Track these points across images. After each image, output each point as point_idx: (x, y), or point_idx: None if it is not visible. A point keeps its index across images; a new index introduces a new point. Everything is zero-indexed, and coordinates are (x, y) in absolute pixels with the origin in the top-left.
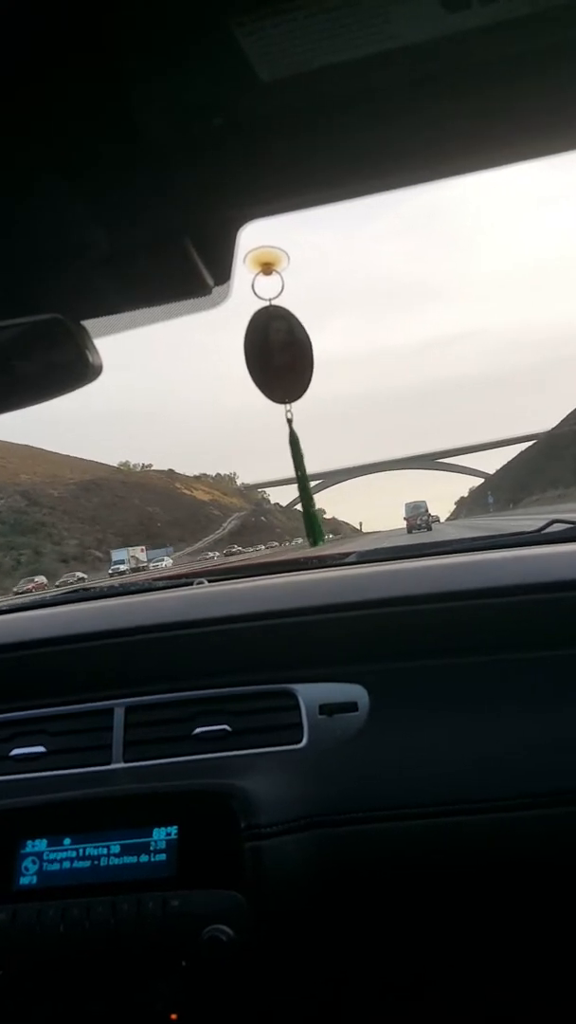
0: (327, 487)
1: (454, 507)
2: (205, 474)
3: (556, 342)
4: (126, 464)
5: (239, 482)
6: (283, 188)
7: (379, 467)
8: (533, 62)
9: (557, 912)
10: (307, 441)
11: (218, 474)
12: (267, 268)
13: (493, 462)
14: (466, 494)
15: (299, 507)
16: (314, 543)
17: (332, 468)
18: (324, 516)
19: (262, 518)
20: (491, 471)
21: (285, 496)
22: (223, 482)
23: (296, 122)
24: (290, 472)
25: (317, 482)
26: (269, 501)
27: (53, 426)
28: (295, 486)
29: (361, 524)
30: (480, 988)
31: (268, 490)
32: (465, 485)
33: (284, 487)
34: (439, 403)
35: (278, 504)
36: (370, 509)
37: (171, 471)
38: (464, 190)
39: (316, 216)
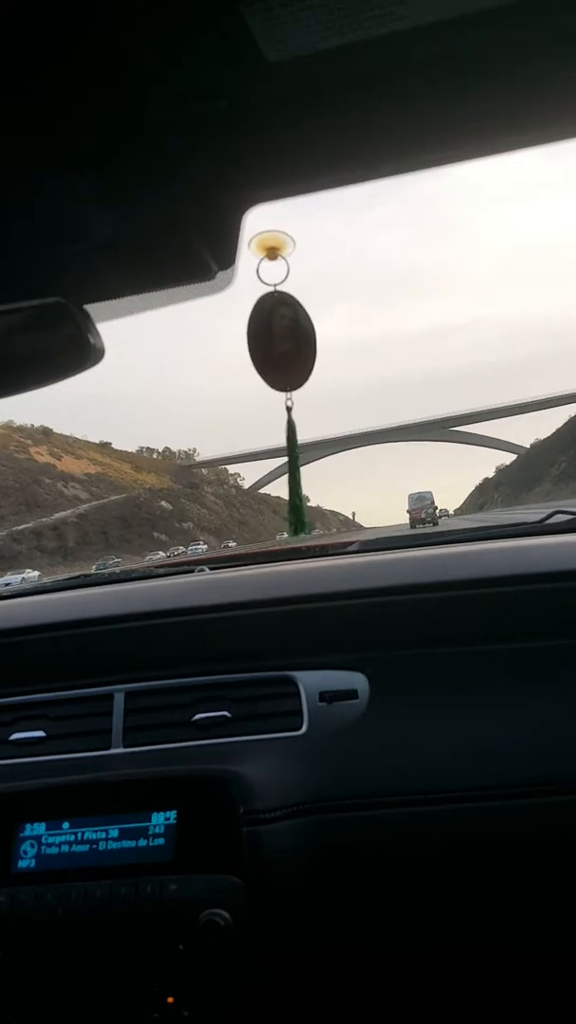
0: (305, 463)
1: (474, 492)
2: (149, 448)
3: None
4: (8, 423)
5: (197, 458)
6: (289, 172)
7: (375, 437)
8: (545, 45)
9: (554, 899)
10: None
11: (167, 448)
12: (272, 253)
13: (526, 434)
14: (492, 474)
15: (265, 491)
16: (294, 533)
17: (314, 438)
18: (308, 504)
19: (163, 503)
20: (527, 444)
21: (252, 476)
22: (171, 458)
23: (303, 104)
24: (250, 448)
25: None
26: (230, 482)
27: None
28: (257, 462)
29: (354, 514)
30: (477, 972)
31: (240, 470)
32: (490, 463)
33: (246, 465)
34: (444, 390)
35: (239, 486)
36: (367, 496)
37: (45, 429)
38: (466, 175)
39: (316, 201)
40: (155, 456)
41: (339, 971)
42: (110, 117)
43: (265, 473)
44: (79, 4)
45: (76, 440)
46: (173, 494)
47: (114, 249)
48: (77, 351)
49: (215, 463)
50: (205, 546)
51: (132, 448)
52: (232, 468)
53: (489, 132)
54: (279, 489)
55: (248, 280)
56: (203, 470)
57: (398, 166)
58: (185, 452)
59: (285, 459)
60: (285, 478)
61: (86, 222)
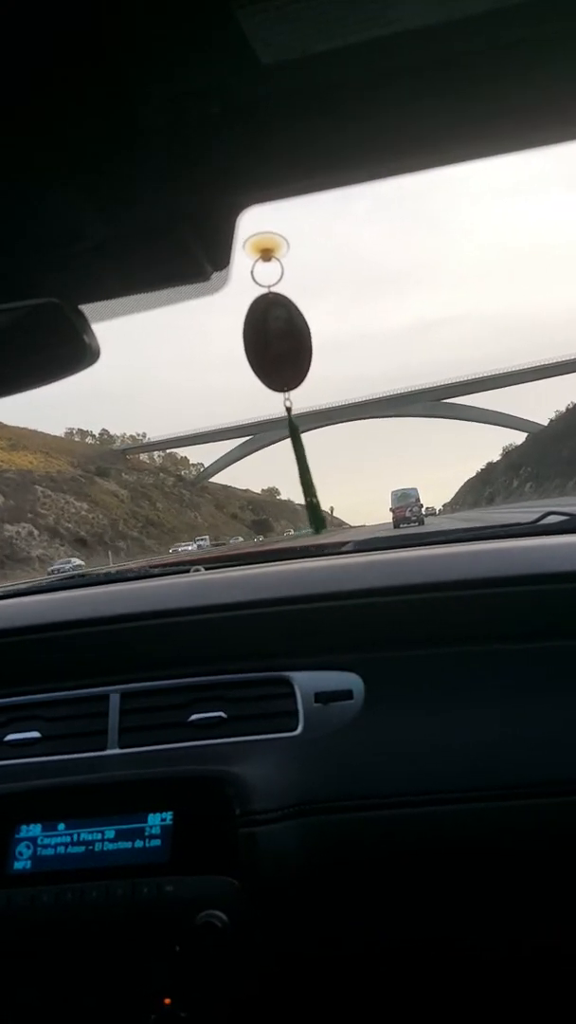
0: (270, 443)
1: (475, 480)
2: (80, 429)
3: (548, 328)
4: None
5: (145, 441)
6: (283, 173)
7: (353, 412)
8: (533, 50)
9: (552, 899)
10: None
11: (104, 431)
12: (266, 254)
13: (529, 410)
14: (498, 457)
15: (217, 480)
16: (316, 531)
17: (272, 415)
18: (277, 497)
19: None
20: (544, 421)
21: (208, 457)
22: (109, 441)
23: (297, 107)
24: (199, 428)
25: (246, 439)
26: (171, 469)
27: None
28: (198, 445)
29: (332, 510)
30: (475, 971)
31: (205, 460)
32: (494, 444)
33: (209, 451)
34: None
35: (182, 476)
36: (347, 486)
37: None
38: (447, 173)
39: (301, 199)
40: (88, 439)
41: (336, 971)
42: (105, 119)
43: (217, 458)
44: (73, 7)
45: None
46: (20, 483)
47: (109, 250)
48: (72, 351)
49: (159, 446)
50: None
51: (60, 431)
52: (195, 459)
53: (478, 135)
54: (234, 478)
55: (236, 278)
56: (156, 456)
57: (391, 168)
58: (132, 436)
59: (241, 440)
60: (243, 467)
61: (81, 223)
